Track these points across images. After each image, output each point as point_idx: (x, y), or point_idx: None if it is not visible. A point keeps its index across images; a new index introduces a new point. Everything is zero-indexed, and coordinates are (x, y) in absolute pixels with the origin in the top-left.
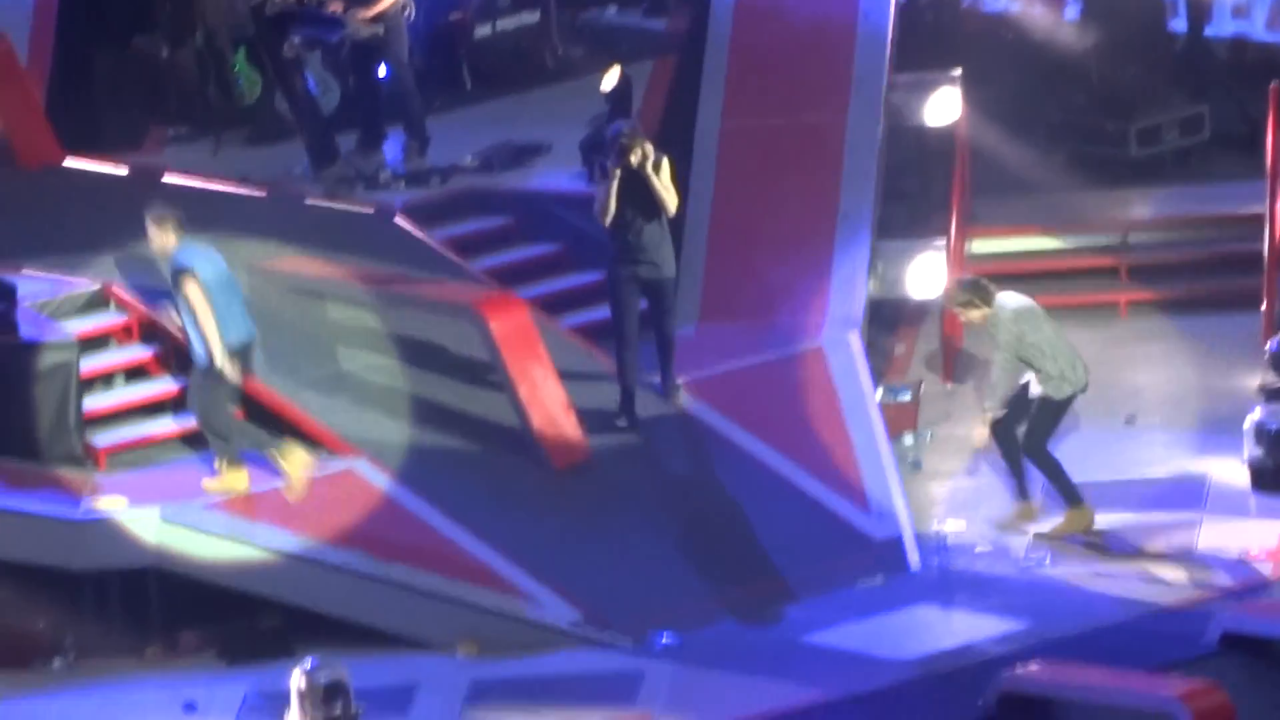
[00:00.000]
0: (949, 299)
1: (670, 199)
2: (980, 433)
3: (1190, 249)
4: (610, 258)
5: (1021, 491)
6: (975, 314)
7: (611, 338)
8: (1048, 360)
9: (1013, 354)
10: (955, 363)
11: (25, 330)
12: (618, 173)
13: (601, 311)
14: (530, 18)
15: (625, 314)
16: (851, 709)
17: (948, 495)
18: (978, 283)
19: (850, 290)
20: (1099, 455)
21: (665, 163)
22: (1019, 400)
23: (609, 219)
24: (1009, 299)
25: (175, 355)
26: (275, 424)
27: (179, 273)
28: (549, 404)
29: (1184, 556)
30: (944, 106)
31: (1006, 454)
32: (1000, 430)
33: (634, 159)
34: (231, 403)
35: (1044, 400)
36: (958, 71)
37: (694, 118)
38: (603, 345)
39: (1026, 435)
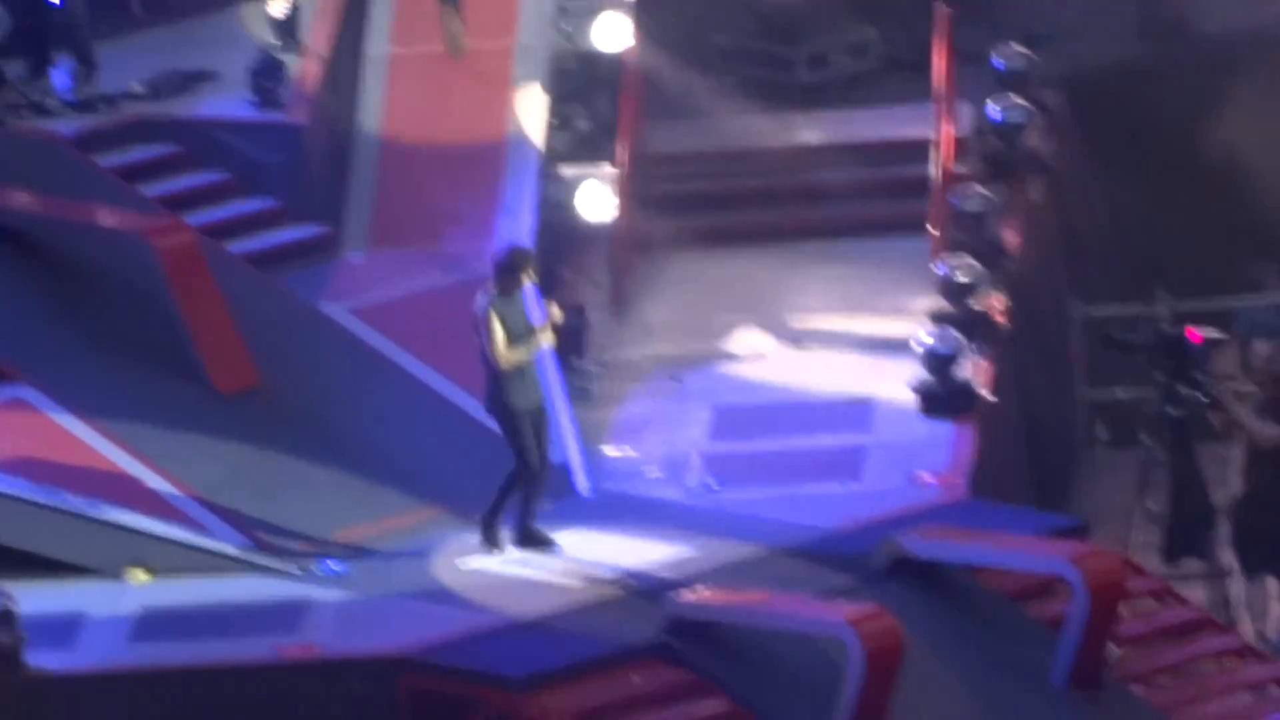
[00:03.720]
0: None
1: (558, 315)
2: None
3: (860, 173)
4: (496, 393)
5: None
6: None
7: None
8: None
9: None
10: (624, 289)
11: None
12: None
13: (270, 238)
14: None
15: (533, 446)
16: (523, 633)
17: (616, 421)
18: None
19: (519, 215)
20: (769, 378)
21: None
22: None
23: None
24: None
25: None
26: None
27: None
28: (216, 330)
29: (852, 481)
30: (613, 32)
31: None
32: None
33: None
34: None
35: None
36: None
37: (363, 44)
38: (271, 271)
39: None
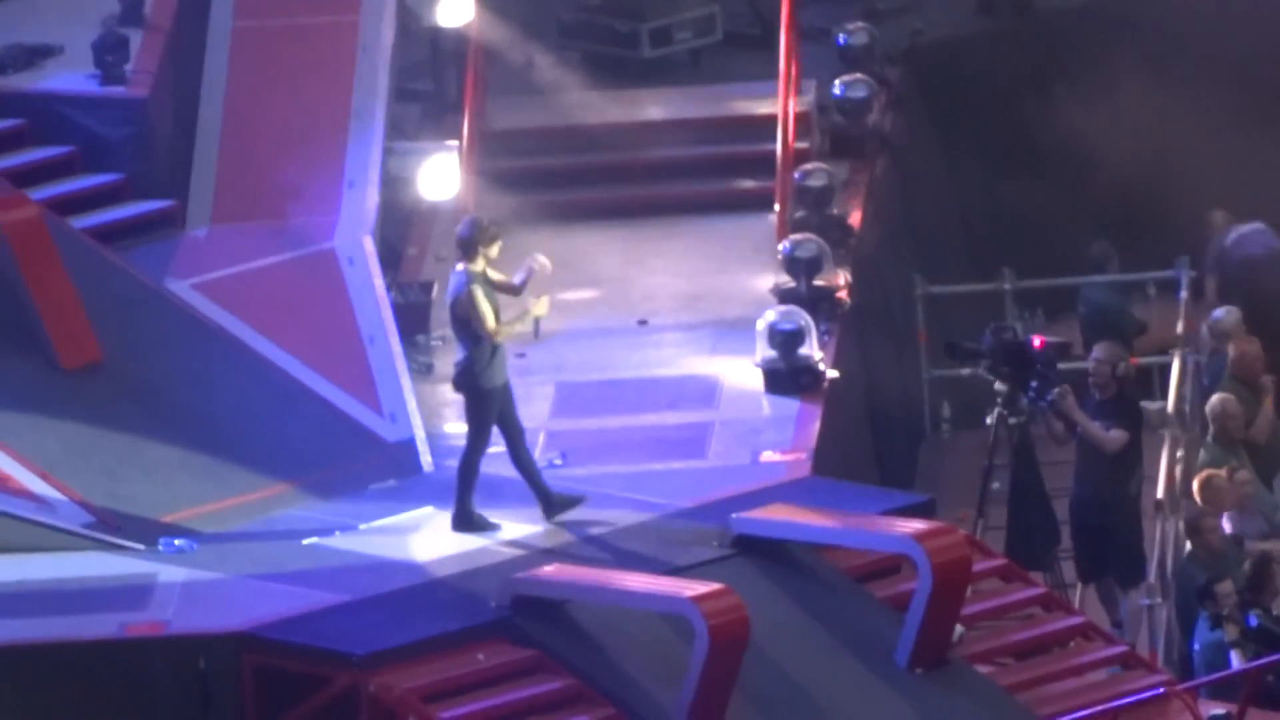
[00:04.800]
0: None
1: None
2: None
3: (704, 149)
4: (471, 369)
5: None
6: None
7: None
8: None
9: None
10: None
11: None
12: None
13: (114, 213)
14: None
15: (491, 429)
16: (367, 611)
17: (460, 397)
18: None
19: (362, 191)
20: (613, 356)
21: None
22: None
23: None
24: None
25: None
26: None
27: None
28: (61, 304)
29: (696, 458)
30: (456, 7)
31: None
32: None
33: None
34: None
35: None
36: None
37: (206, 17)
38: (115, 246)
39: None
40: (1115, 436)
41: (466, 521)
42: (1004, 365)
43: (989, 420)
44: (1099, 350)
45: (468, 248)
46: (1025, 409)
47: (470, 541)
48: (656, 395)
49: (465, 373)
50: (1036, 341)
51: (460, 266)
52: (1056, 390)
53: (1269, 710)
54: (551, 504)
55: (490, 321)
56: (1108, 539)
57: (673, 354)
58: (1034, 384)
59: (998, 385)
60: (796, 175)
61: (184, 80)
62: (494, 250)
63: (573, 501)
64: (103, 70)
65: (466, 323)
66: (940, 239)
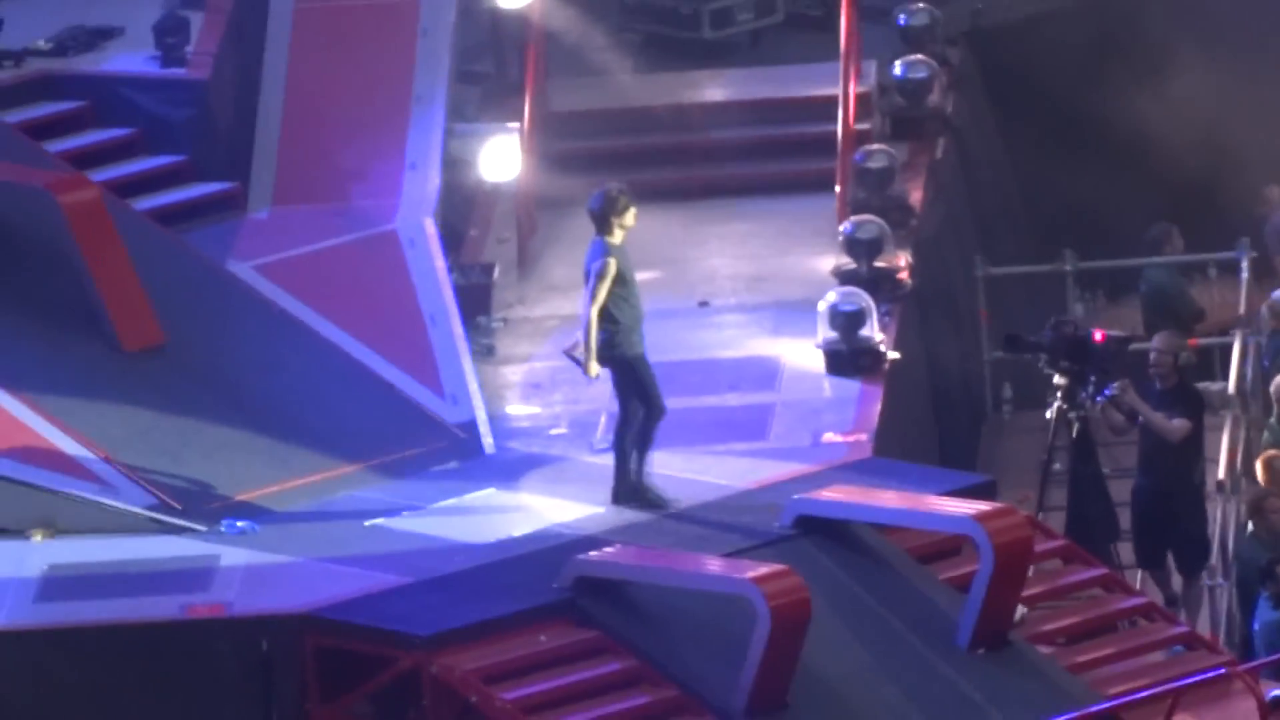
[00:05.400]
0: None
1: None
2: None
3: (765, 131)
4: (617, 343)
5: None
6: None
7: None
8: None
9: None
10: (528, 247)
11: None
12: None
13: (176, 195)
14: None
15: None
16: (430, 592)
17: (521, 379)
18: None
19: (424, 173)
20: (674, 337)
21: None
22: None
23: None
24: None
25: None
26: None
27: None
28: (122, 286)
29: (758, 440)
30: None
31: None
32: None
33: (629, 222)
34: None
35: None
36: None
37: None
38: (177, 227)
39: None
40: (1178, 426)
41: (628, 492)
42: (1064, 359)
43: (1049, 415)
44: (1159, 340)
45: (601, 221)
46: (1084, 403)
47: (532, 522)
48: (718, 377)
49: (605, 345)
50: (1097, 335)
51: (602, 239)
52: (1116, 384)
53: None
54: (622, 492)
55: (599, 302)
56: (1171, 527)
57: (734, 335)
58: (1093, 377)
59: (1057, 379)
60: (857, 156)
61: (245, 62)
62: (629, 219)
63: (650, 500)
64: (164, 52)
65: None
66: (1001, 220)
